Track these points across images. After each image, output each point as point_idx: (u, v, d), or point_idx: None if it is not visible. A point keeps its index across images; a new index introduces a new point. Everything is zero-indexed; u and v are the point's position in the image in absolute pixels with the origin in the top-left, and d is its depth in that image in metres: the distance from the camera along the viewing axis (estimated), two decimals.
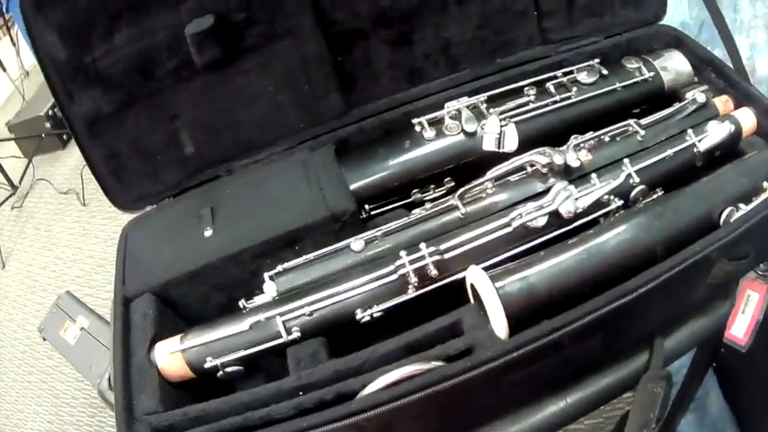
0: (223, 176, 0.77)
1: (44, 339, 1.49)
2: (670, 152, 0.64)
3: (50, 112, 2.86)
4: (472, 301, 0.55)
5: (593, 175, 0.62)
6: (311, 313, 0.58)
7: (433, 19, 0.78)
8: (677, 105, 0.70)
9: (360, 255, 0.63)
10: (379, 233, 0.64)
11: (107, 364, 1.17)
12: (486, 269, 0.52)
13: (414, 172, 0.72)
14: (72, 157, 3.02)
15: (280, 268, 0.64)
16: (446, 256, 0.58)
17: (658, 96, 0.75)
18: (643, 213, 0.57)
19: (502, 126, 0.69)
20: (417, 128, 0.72)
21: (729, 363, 0.83)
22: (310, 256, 0.64)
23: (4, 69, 4.00)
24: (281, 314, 0.59)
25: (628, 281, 0.49)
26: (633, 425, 0.54)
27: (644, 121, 0.68)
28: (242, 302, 0.63)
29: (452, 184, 0.73)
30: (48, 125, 2.87)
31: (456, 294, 0.56)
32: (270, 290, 0.63)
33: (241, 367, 0.60)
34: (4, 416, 2.12)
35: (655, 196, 0.64)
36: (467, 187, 0.63)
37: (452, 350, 0.51)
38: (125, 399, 0.57)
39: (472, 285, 0.53)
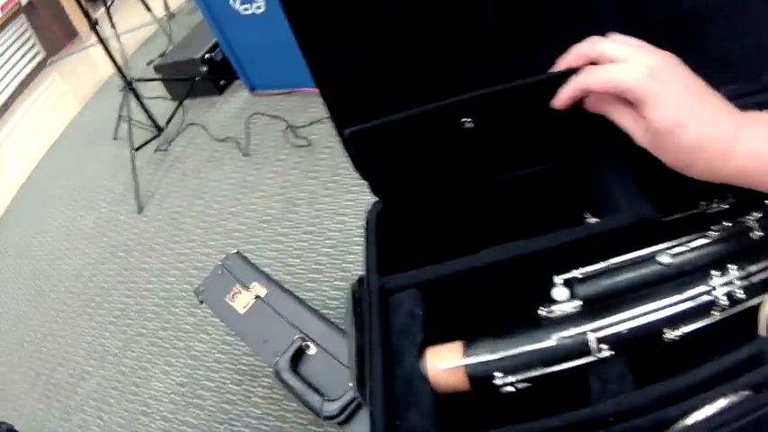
0: None
1: (201, 302, 1.45)
2: None
3: (206, 56, 2.90)
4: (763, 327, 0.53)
5: None
6: (626, 330, 0.55)
7: None
8: None
9: (665, 268, 0.59)
10: (686, 248, 0.59)
11: (288, 340, 1.15)
12: None
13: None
14: (230, 103, 2.99)
15: (577, 274, 0.60)
16: (753, 279, 0.55)
17: None
18: None
19: None
20: None
21: None
22: (611, 262, 0.60)
23: (149, 9, 4.26)
24: (594, 329, 0.55)
25: None
26: None
27: None
28: (541, 311, 0.59)
29: (734, 200, 0.66)
30: (203, 69, 2.90)
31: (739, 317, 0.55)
32: (561, 295, 0.60)
33: (531, 384, 0.56)
34: (121, 372, 2.09)
35: None
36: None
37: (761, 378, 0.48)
38: (388, 418, 0.55)
39: None
